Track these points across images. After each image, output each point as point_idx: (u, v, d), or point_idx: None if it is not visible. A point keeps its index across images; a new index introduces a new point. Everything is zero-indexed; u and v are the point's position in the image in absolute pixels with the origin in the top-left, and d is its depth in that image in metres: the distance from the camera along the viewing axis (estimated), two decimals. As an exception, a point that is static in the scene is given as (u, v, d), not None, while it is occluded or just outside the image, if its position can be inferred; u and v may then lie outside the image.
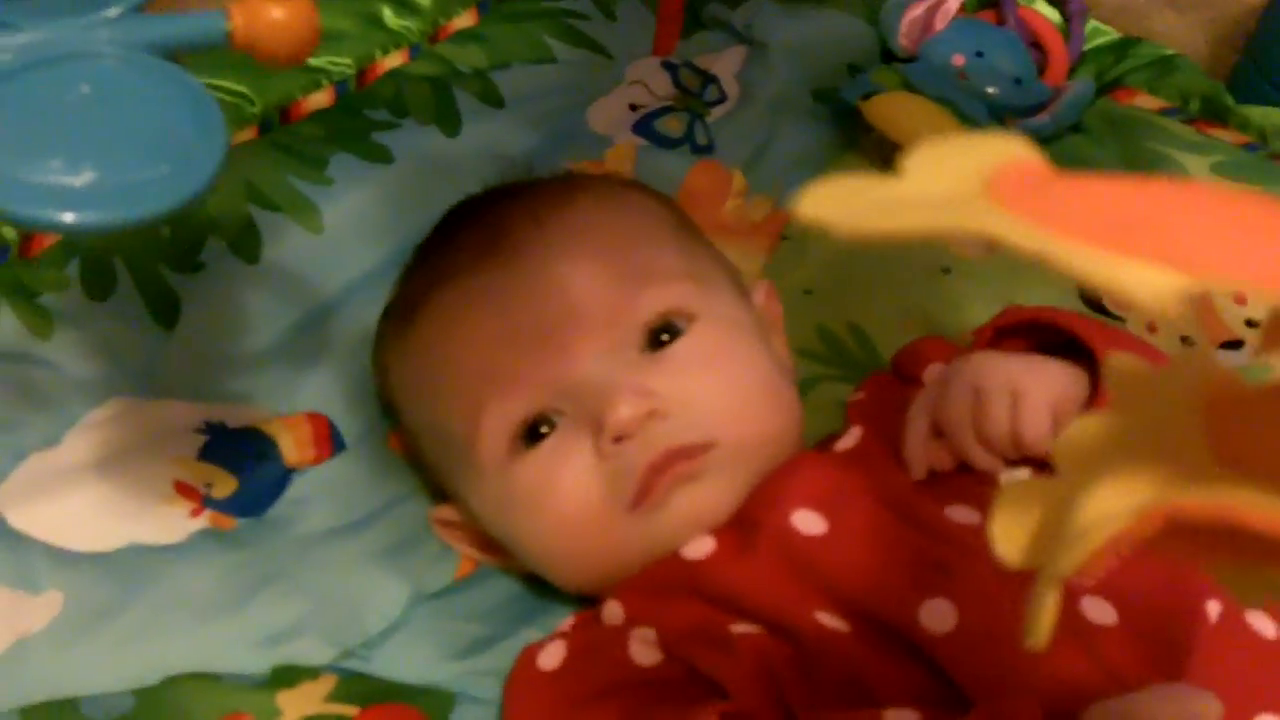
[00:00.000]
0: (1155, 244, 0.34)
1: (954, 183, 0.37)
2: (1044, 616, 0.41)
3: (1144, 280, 0.33)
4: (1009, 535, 0.44)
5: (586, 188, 1.07)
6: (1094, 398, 0.92)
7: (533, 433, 0.96)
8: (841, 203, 0.37)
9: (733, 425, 0.94)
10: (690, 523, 0.93)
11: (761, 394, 0.98)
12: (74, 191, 0.63)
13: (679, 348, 0.96)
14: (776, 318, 1.10)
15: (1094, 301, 1.27)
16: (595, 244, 1.00)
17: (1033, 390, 0.92)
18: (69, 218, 0.63)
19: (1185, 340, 1.24)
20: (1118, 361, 0.43)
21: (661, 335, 0.96)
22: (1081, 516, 0.40)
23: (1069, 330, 0.97)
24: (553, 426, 0.95)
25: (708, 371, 0.95)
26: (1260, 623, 0.86)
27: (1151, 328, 1.24)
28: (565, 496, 0.94)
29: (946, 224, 0.36)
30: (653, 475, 0.92)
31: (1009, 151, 0.38)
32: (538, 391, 0.95)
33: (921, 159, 0.38)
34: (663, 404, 0.92)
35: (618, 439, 0.92)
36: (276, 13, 0.70)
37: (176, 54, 0.70)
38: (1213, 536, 0.40)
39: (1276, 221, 0.35)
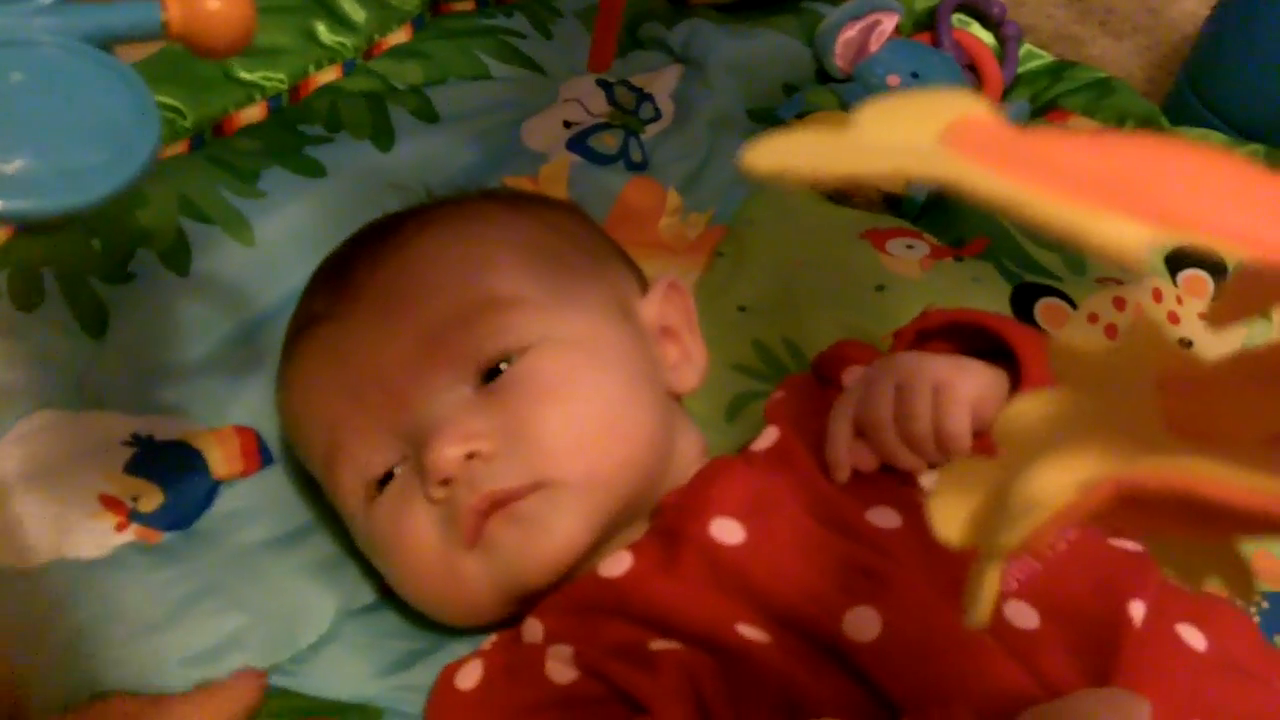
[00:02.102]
0: (1125, 196, 0.33)
1: (910, 133, 0.36)
2: (985, 593, 0.41)
3: (1115, 230, 0.33)
4: (948, 514, 0.43)
5: (435, 220, 1.05)
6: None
7: (383, 479, 0.96)
8: (793, 153, 0.36)
9: (565, 462, 0.92)
10: (536, 564, 0.92)
11: (600, 426, 0.94)
12: (6, 178, 0.62)
13: (512, 377, 0.94)
14: (684, 315, 1.07)
15: (1023, 312, 1.27)
16: (428, 283, 0.98)
17: (956, 384, 0.92)
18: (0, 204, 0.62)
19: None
20: (1065, 337, 0.43)
21: (497, 366, 0.95)
22: (1026, 491, 0.39)
23: (990, 330, 0.97)
24: (398, 473, 0.96)
25: (540, 404, 0.93)
26: (1189, 634, 0.86)
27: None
28: (408, 542, 0.94)
29: (905, 168, 0.35)
30: (477, 520, 0.91)
31: (967, 106, 0.37)
32: (379, 444, 0.96)
33: (875, 112, 0.38)
34: (485, 444, 0.91)
35: (443, 482, 0.91)
36: (212, 3, 0.69)
37: (111, 44, 0.69)
38: (1163, 511, 0.39)
39: (1252, 181, 0.35)
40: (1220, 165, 0.35)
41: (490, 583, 0.93)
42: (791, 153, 0.36)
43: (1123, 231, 0.33)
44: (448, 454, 0.90)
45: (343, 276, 1.02)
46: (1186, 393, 0.41)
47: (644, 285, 1.08)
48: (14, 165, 0.62)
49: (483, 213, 1.07)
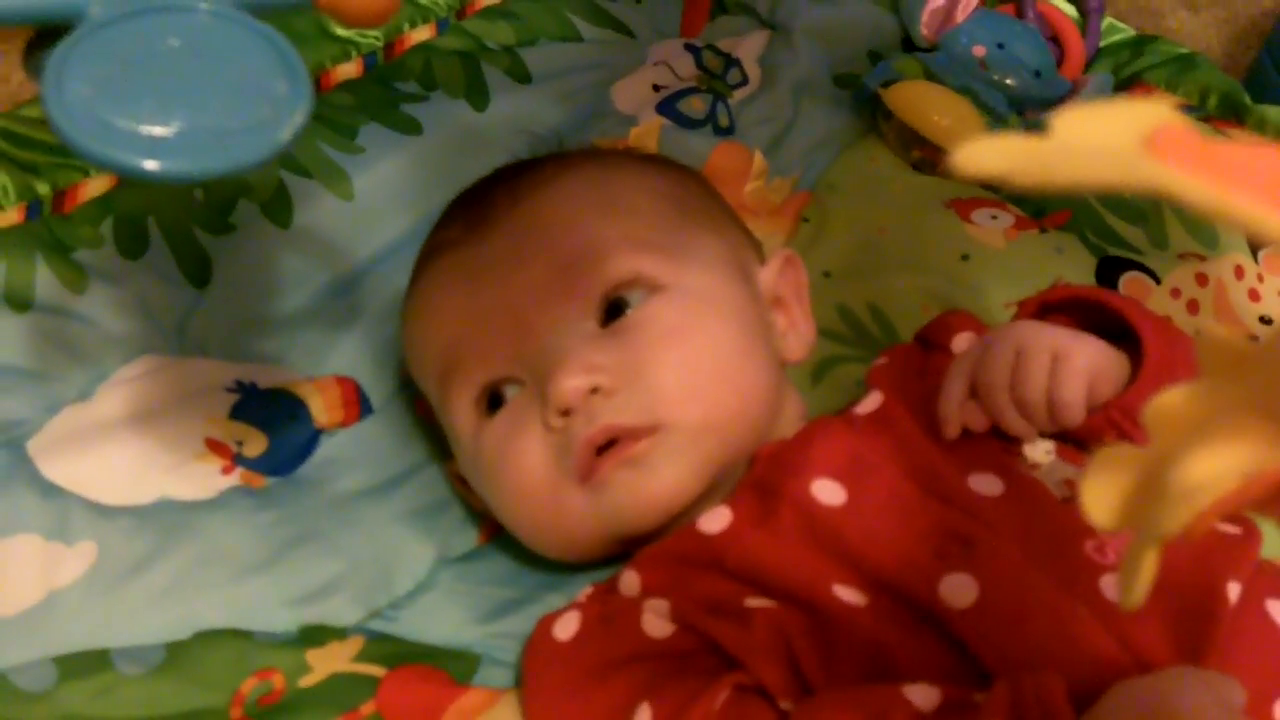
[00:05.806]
0: None
1: (1110, 140, 0.38)
2: (1142, 576, 0.42)
3: None
4: (1101, 497, 0.44)
5: (576, 164, 1.07)
6: (1135, 381, 0.92)
7: (494, 401, 0.98)
8: (1002, 157, 0.38)
9: (681, 407, 0.93)
10: (644, 507, 0.94)
11: (717, 375, 0.95)
12: (161, 140, 0.64)
13: (635, 320, 0.96)
14: (796, 289, 1.09)
15: (1107, 285, 1.27)
16: (565, 219, 1.00)
17: (1074, 354, 0.92)
18: (153, 165, 0.63)
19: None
20: (1212, 332, 0.44)
21: (621, 307, 0.97)
22: (1185, 478, 0.40)
23: (1114, 310, 0.97)
24: (512, 395, 0.97)
25: (661, 348, 0.94)
26: (1278, 611, 0.86)
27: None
28: (517, 465, 0.96)
29: (1116, 177, 0.37)
30: (590, 451, 0.92)
31: (1162, 113, 0.38)
32: (497, 362, 0.97)
33: (1071, 119, 0.39)
34: (608, 379, 0.93)
35: (564, 412, 0.93)
36: (359, -25, 0.70)
37: (263, 13, 0.71)
38: None
39: None
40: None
41: (595, 521, 0.95)
42: (999, 159, 0.37)
43: None
44: (574, 383, 0.92)
45: (481, 207, 1.04)
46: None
47: (760, 255, 1.10)
48: (172, 128, 0.64)
49: (621, 163, 1.09)
